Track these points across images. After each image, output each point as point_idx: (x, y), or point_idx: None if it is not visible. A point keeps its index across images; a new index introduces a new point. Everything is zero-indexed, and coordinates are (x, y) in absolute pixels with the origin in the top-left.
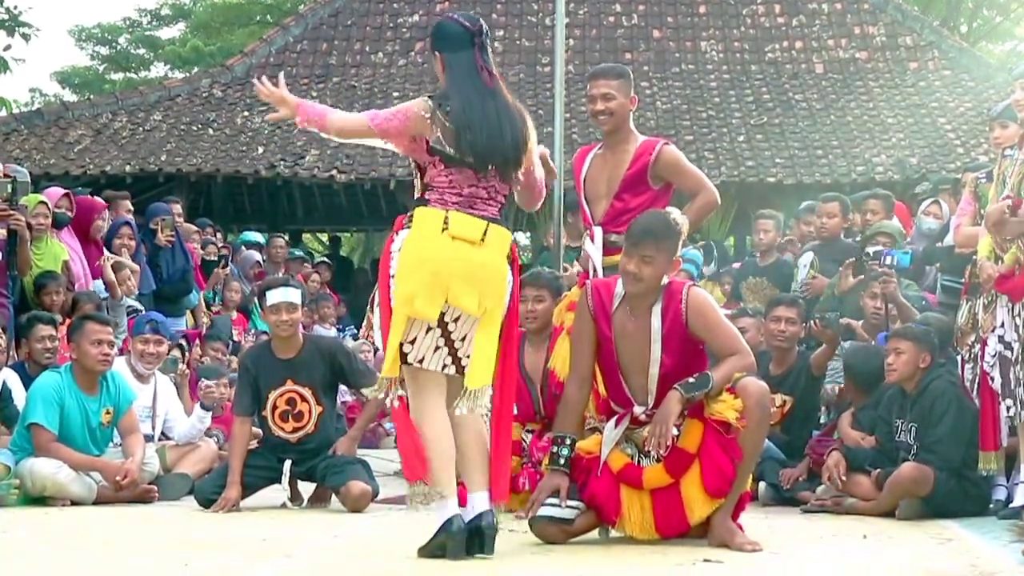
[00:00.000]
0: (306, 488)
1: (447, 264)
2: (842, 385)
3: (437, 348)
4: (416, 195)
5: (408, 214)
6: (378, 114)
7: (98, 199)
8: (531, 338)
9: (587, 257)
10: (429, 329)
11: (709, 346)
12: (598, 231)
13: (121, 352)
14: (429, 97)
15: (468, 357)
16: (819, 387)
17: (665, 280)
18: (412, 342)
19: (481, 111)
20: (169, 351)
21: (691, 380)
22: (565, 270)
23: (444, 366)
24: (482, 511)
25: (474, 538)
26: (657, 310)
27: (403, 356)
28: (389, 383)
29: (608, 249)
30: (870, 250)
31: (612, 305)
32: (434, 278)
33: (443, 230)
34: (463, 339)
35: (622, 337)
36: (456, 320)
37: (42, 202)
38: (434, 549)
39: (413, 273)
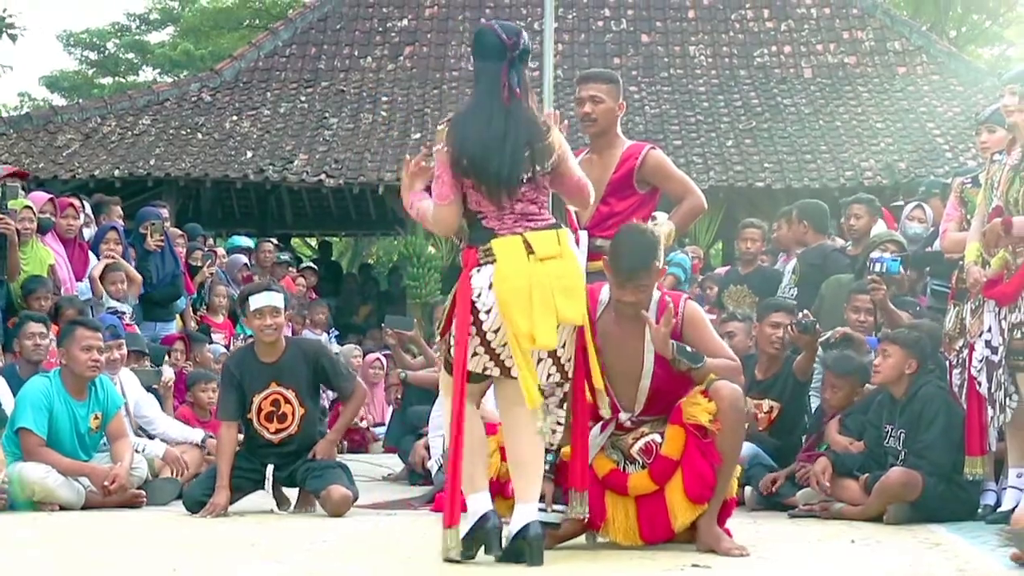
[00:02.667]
0: (293, 492)
1: (548, 287)
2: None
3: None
4: (467, 224)
5: (479, 248)
6: (440, 192)
7: (70, 198)
8: None
9: None
10: (483, 339)
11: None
12: (583, 235)
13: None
14: (447, 121)
15: (511, 357)
16: (806, 391)
17: (656, 294)
18: (474, 356)
19: (485, 129)
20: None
21: (688, 348)
22: None
23: (485, 368)
24: (529, 521)
25: (522, 548)
26: (651, 317)
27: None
28: (536, 414)
29: (592, 254)
30: (875, 255)
31: (596, 312)
32: (542, 306)
33: (529, 254)
34: (563, 345)
35: (609, 345)
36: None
37: (27, 206)
38: (472, 545)
39: (520, 309)
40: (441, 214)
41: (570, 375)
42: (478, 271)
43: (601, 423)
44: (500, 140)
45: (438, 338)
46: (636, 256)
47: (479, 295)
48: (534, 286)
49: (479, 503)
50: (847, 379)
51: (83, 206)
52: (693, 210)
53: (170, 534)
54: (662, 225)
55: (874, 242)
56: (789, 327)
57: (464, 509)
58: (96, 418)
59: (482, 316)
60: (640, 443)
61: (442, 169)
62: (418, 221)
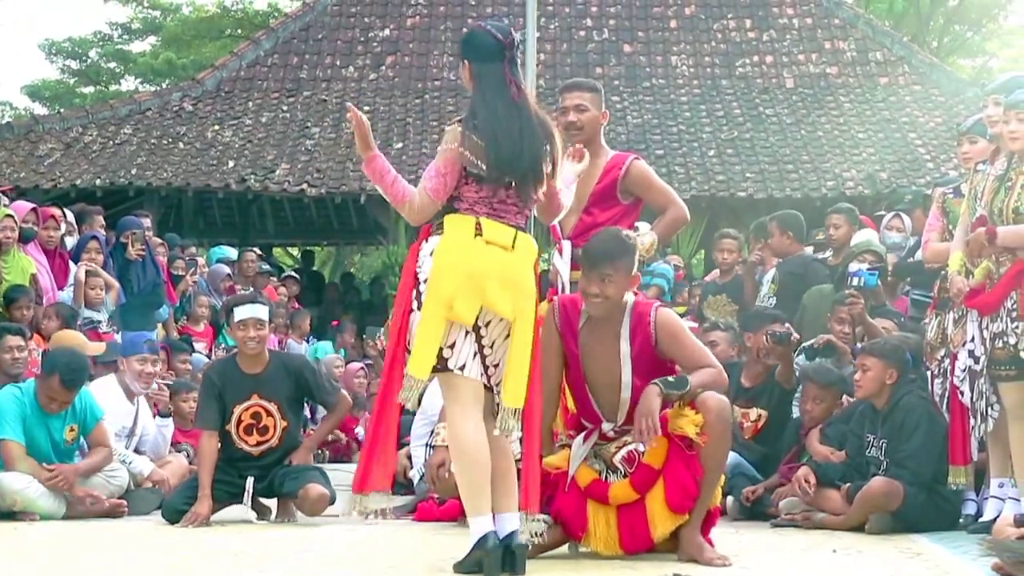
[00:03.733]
0: (272, 502)
1: (482, 268)
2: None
3: (475, 354)
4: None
5: (436, 221)
6: (438, 188)
7: (51, 208)
8: None
9: (556, 272)
10: (467, 334)
11: (680, 363)
12: (567, 245)
13: (116, 369)
14: (459, 121)
15: (496, 367)
16: (791, 399)
17: (631, 299)
18: (452, 346)
19: (507, 125)
20: None
21: (670, 379)
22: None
23: (480, 374)
24: (512, 531)
25: (505, 558)
26: (625, 332)
27: (443, 362)
28: (415, 382)
29: (576, 264)
30: (853, 268)
31: (579, 322)
32: (471, 281)
33: (476, 235)
34: (492, 345)
35: (589, 355)
36: (487, 325)
37: (9, 215)
38: (471, 565)
39: (449, 277)
40: (428, 208)
41: (493, 383)
42: (427, 241)
43: (584, 433)
44: (519, 137)
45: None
46: (603, 246)
47: (421, 264)
48: (471, 262)
49: (481, 525)
50: (829, 390)
51: (64, 215)
52: (676, 221)
53: (152, 544)
54: (644, 235)
55: (852, 252)
56: (765, 337)
57: (368, 484)
58: (72, 430)
59: (421, 286)
60: (623, 452)
61: (449, 168)
62: (390, 195)
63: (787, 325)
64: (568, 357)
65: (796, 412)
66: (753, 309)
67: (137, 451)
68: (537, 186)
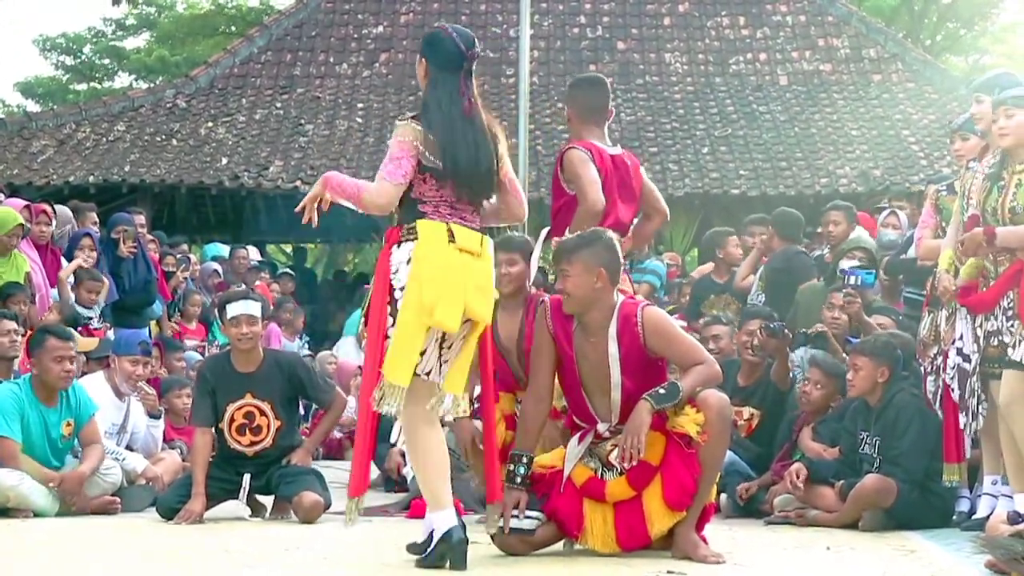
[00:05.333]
0: (268, 499)
1: (460, 275)
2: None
3: (438, 358)
4: (398, 206)
5: (404, 226)
6: (394, 173)
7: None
8: (504, 303)
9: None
10: (436, 339)
11: (672, 360)
12: (544, 231)
13: (107, 367)
14: (412, 118)
15: (446, 363)
16: (786, 399)
17: (619, 298)
18: (423, 353)
19: (462, 137)
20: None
21: (660, 391)
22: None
23: (438, 374)
24: (452, 527)
25: (445, 553)
26: (613, 333)
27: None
28: (395, 391)
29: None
30: (845, 265)
31: (572, 324)
32: (453, 288)
33: (449, 242)
34: (450, 347)
35: (582, 356)
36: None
37: (20, 224)
38: (435, 560)
39: (430, 284)
40: (389, 192)
41: (440, 386)
42: (398, 247)
43: (579, 434)
44: (475, 151)
45: (362, 328)
46: (562, 242)
47: (396, 271)
48: (449, 269)
49: (444, 520)
50: (831, 379)
51: (55, 212)
52: (581, 216)
53: (145, 541)
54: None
55: (843, 250)
56: (759, 331)
57: (368, 485)
58: (68, 425)
59: (396, 294)
60: (618, 449)
61: (404, 153)
62: (352, 198)
63: (781, 324)
64: (563, 358)
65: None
66: (745, 307)
67: (129, 448)
68: (490, 194)
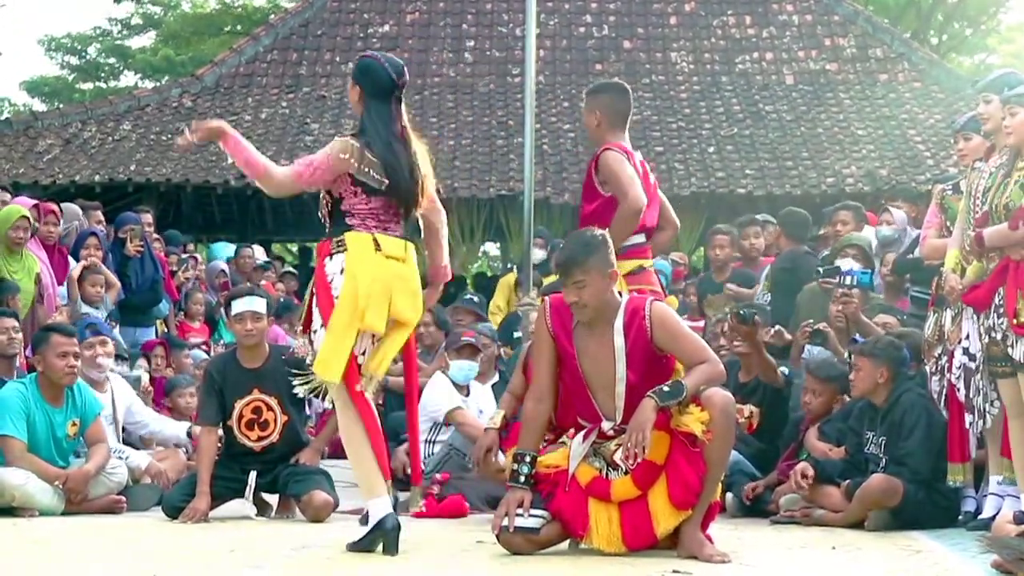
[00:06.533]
0: (273, 498)
1: (388, 280)
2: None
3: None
4: (327, 217)
5: (334, 239)
6: (301, 174)
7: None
8: None
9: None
10: (371, 339)
11: (677, 357)
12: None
13: None
14: (352, 136)
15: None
16: (786, 396)
17: (624, 296)
18: (364, 353)
19: (396, 160)
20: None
21: (665, 388)
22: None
23: None
24: (386, 514)
25: (378, 539)
26: (619, 326)
27: (358, 367)
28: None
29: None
30: (841, 264)
31: (573, 322)
32: (382, 294)
33: (376, 250)
34: (375, 341)
35: (585, 354)
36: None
37: (24, 216)
38: (367, 545)
39: (362, 291)
40: (284, 185)
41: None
42: (331, 259)
43: (583, 432)
44: (409, 174)
45: (300, 331)
46: (569, 253)
47: (331, 280)
48: (376, 277)
49: (379, 507)
50: (827, 385)
51: (62, 211)
52: (621, 216)
53: (150, 540)
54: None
55: (836, 248)
56: (729, 316)
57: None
58: (74, 424)
59: (335, 302)
60: (623, 448)
61: (325, 166)
62: (248, 166)
63: (773, 326)
64: (564, 357)
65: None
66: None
67: (131, 444)
68: (416, 208)
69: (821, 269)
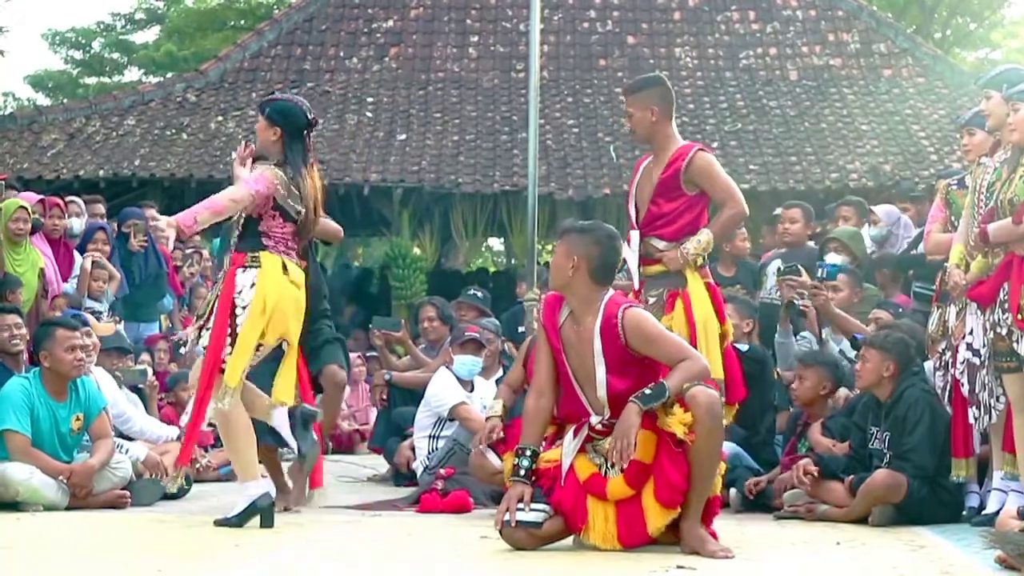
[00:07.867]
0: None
1: (287, 305)
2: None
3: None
4: (238, 234)
5: (248, 254)
6: (259, 192)
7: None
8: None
9: (624, 262)
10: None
11: (658, 359)
12: (635, 235)
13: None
14: (276, 165)
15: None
16: (766, 383)
17: (607, 295)
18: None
19: (307, 191)
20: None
21: (647, 391)
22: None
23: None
24: (262, 492)
25: (253, 513)
26: (596, 328)
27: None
28: (231, 390)
29: (644, 259)
30: (791, 265)
31: (560, 318)
32: (280, 314)
33: (284, 273)
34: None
35: (570, 350)
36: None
37: (23, 207)
38: (237, 521)
39: (265, 309)
40: (246, 198)
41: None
42: (243, 271)
43: (574, 428)
44: (313, 200)
45: (197, 326)
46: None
47: (240, 292)
48: (280, 298)
49: (256, 487)
50: (811, 369)
51: (67, 205)
52: (732, 218)
53: (154, 535)
54: (701, 234)
55: (822, 243)
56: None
57: (191, 457)
58: (78, 419)
59: (237, 311)
60: (609, 454)
61: (266, 184)
62: (211, 217)
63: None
64: (552, 350)
65: (782, 401)
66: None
67: (127, 436)
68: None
69: (781, 268)
